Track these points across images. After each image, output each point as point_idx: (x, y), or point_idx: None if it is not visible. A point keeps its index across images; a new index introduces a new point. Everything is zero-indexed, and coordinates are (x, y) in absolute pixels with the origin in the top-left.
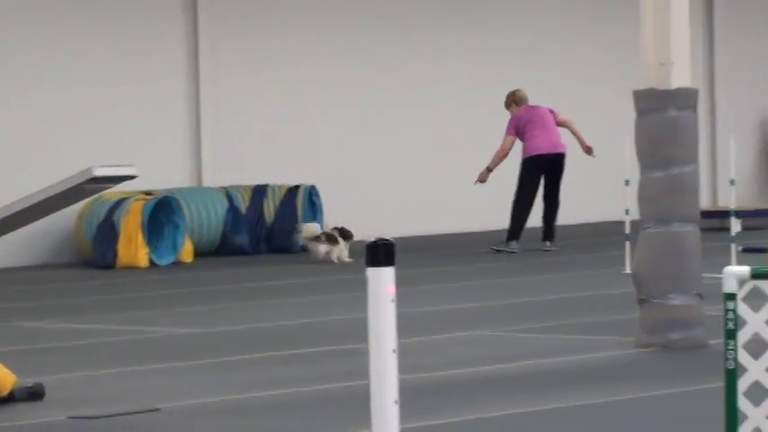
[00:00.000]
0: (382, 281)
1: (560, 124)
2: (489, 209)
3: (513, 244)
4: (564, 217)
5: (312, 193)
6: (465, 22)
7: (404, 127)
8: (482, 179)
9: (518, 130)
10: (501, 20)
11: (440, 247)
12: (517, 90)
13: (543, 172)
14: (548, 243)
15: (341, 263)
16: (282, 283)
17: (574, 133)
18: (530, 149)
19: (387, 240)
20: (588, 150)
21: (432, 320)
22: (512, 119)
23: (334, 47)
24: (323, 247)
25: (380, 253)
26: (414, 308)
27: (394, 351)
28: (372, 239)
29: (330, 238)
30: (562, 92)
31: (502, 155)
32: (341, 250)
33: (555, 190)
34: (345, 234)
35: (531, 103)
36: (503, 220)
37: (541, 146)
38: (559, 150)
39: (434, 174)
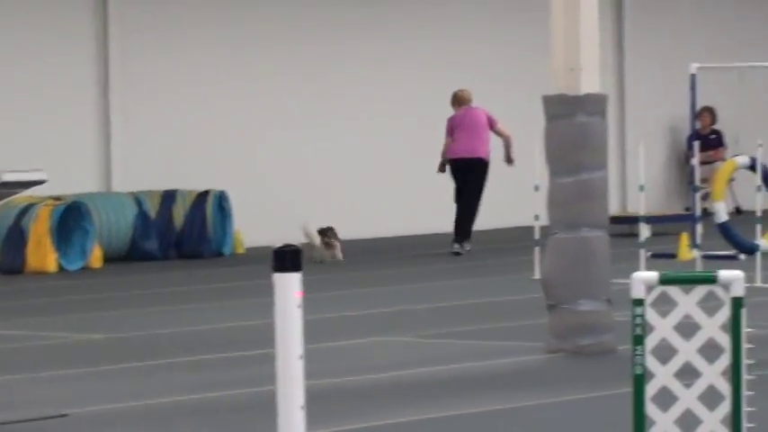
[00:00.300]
0: (288, 286)
1: (496, 132)
2: (403, 213)
3: (456, 246)
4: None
5: (222, 199)
6: (376, 22)
7: (315, 131)
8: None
9: (450, 131)
10: (413, 23)
11: (351, 252)
12: (458, 91)
13: (459, 175)
14: (455, 246)
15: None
16: (192, 289)
17: (505, 146)
18: (449, 152)
19: (293, 246)
20: (509, 161)
21: (341, 326)
22: (447, 120)
23: (244, 53)
24: (327, 253)
25: (287, 259)
26: (319, 314)
27: (301, 357)
28: (278, 245)
29: (328, 242)
30: (475, 96)
31: (441, 155)
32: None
33: (468, 194)
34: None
35: (474, 104)
36: (414, 225)
37: (458, 149)
38: (475, 155)
39: (347, 178)
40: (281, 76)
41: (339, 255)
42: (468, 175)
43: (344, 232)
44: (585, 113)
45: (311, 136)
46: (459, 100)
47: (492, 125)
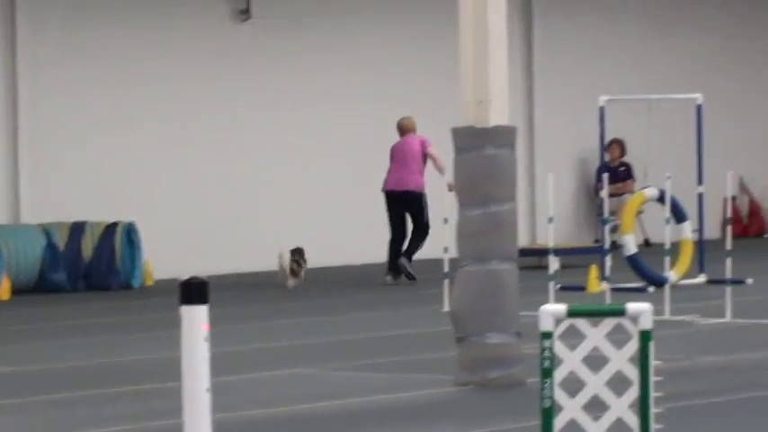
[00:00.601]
0: (195, 319)
1: (428, 156)
2: (314, 246)
3: (388, 278)
4: (382, 254)
5: (131, 230)
6: (289, 52)
7: (226, 161)
8: None
9: (390, 160)
10: (321, 54)
11: (259, 285)
12: (400, 119)
13: (390, 207)
14: (387, 278)
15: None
16: (100, 321)
17: (437, 168)
18: (384, 183)
19: (200, 279)
20: (449, 187)
21: (246, 359)
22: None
23: (154, 84)
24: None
25: (194, 291)
26: (229, 346)
27: (207, 390)
28: (186, 277)
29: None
30: (385, 126)
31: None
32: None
33: (400, 225)
34: (302, 255)
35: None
36: (326, 257)
37: (389, 181)
38: (403, 188)
39: (256, 211)
40: (190, 105)
41: (292, 283)
42: (402, 208)
43: (252, 264)
44: (494, 145)
45: (222, 166)
46: (399, 128)
47: (424, 150)
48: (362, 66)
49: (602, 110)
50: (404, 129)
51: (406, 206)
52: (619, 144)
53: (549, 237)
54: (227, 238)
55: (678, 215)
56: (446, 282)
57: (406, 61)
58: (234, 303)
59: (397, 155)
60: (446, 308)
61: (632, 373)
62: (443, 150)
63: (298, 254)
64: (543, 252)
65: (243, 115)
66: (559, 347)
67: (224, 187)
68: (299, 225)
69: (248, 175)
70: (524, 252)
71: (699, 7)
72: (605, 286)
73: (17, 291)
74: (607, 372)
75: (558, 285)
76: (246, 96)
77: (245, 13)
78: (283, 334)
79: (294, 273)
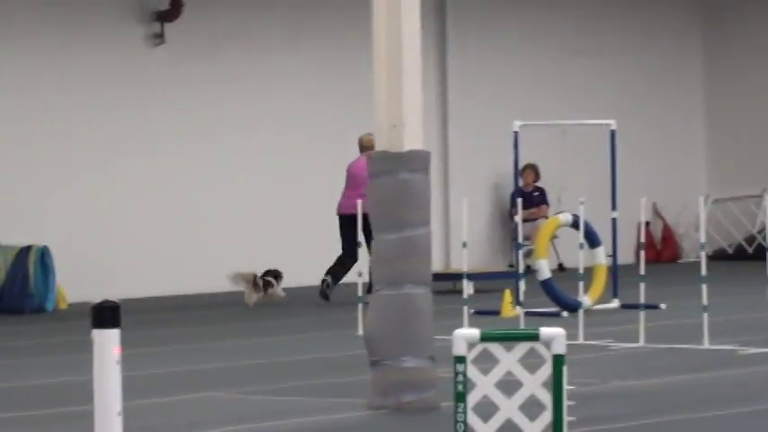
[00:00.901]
0: (107, 343)
1: None
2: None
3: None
4: (294, 279)
5: (44, 254)
6: (199, 78)
7: (138, 187)
8: None
9: (346, 180)
10: (240, 76)
11: (176, 309)
12: (361, 136)
13: (342, 230)
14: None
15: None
16: (13, 345)
17: None
18: (338, 207)
19: (112, 302)
20: None
21: (159, 383)
22: None
23: (67, 109)
24: (255, 296)
25: (105, 315)
26: (145, 370)
27: (119, 414)
28: (98, 301)
29: (266, 284)
30: (304, 151)
31: None
32: (276, 290)
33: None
34: (277, 275)
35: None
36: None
37: (340, 204)
38: (349, 212)
39: (169, 235)
40: (103, 129)
41: (255, 298)
42: (350, 233)
43: (165, 288)
44: (408, 170)
45: (137, 190)
46: (360, 147)
47: None
48: (278, 91)
49: (516, 135)
50: (361, 147)
51: (351, 229)
52: (533, 169)
53: (463, 261)
54: (142, 261)
55: (592, 240)
56: (360, 305)
57: (321, 86)
58: (151, 326)
59: (349, 178)
60: (360, 332)
61: (545, 397)
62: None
63: (272, 273)
64: (457, 276)
65: (155, 139)
66: (473, 372)
67: (139, 211)
68: (214, 249)
69: (163, 198)
70: (439, 276)
71: (614, 31)
72: (519, 311)
73: None
74: (520, 396)
75: (472, 310)
76: (160, 120)
77: (159, 37)
78: (196, 357)
79: (257, 287)
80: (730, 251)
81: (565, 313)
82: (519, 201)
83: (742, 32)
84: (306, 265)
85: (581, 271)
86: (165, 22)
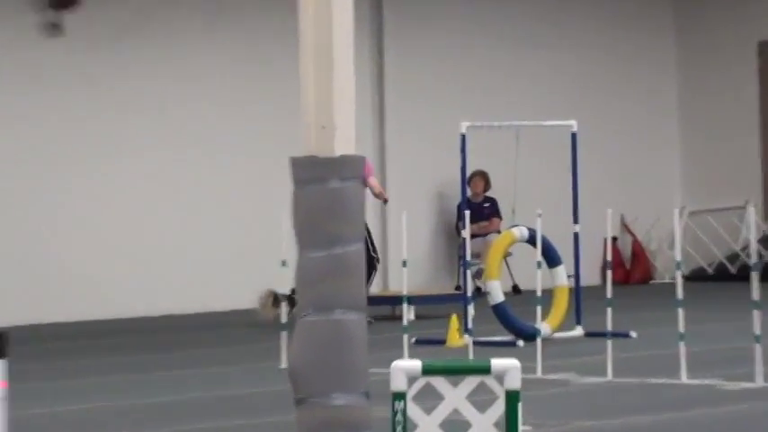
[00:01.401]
0: None
1: (368, 186)
2: (148, 293)
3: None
4: (209, 303)
5: None
6: (105, 70)
7: (44, 201)
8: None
9: None
10: (149, 70)
11: (92, 336)
12: None
13: None
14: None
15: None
16: None
17: (376, 197)
18: None
19: None
20: (384, 200)
21: (55, 423)
22: None
23: None
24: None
25: None
26: (39, 408)
27: None
28: None
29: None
30: (221, 157)
31: None
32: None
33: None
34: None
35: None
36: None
37: None
38: None
39: (96, 256)
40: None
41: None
42: None
43: (78, 312)
44: (340, 178)
45: (40, 207)
46: None
47: (365, 179)
48: (196, 90)
49: (463, 137)
50: None
51: None
52: (483, 177)
53: (402, 283)
54: (51, 283)
55: (551, 258)
56: (284, 334)
57: (241, 81)
58: (51, 357)
59: None
60: (284, 364)
61: None
62: (276, 182)
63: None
64: (396, 300)
65: (53, 140)
66: (414, 410)
67: (46, 232)
68: (125, 269)
69: (63, 215)
70: (375, 300)
71: (577, 20)
72: (467, 340)
73: None
74: None
75: (414, 338)
76: (59, 116)
77: (56, 27)
78: (97, 394)
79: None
80: (710, 271)
81: (520, 342)
82: (467, 213)
83: (721, 20)
84: (227, 288)
85: (539, 294)
86: (62, 9)
